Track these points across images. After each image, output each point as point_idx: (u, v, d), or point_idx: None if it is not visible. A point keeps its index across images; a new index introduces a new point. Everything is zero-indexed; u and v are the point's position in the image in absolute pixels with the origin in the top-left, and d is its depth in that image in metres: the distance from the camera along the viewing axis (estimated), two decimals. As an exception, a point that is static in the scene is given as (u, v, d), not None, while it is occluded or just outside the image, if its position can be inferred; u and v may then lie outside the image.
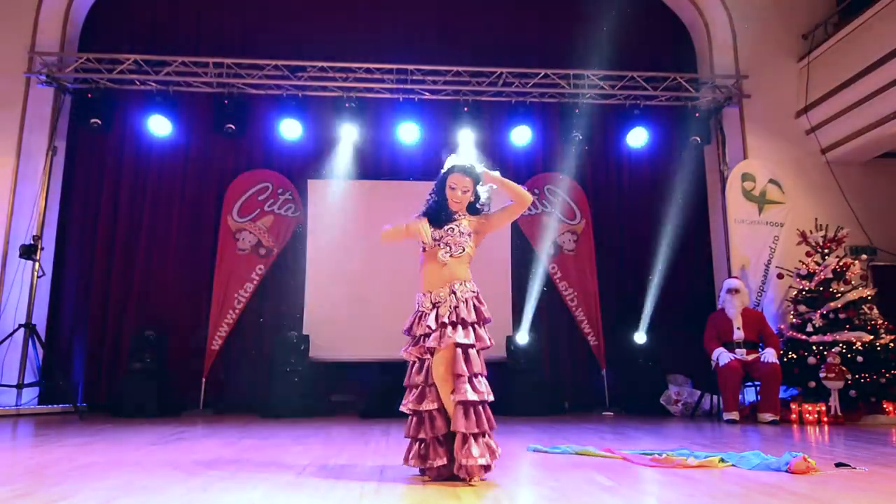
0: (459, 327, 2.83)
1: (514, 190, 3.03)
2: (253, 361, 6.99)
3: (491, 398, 2.83)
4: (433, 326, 2.86)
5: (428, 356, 2.89)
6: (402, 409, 2.95)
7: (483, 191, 3.06)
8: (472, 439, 2.72)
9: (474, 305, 2.91)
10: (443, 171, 3.09)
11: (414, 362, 2.97)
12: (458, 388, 2.77)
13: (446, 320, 2.85)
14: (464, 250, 2.98)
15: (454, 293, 2.91)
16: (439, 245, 2.98)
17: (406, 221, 3.05)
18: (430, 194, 3.11)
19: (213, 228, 7.20)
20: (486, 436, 2.80)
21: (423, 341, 2.89)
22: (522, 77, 7.25)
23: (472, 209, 3.08)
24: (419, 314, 2.97)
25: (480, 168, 3.05)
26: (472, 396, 2.75)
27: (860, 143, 6.98)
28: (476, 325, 2.88)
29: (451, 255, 2.95)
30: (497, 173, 3.07)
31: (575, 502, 2.38)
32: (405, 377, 2.98)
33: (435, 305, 2.92)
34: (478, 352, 2.87)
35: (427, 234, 2.93)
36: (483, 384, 2.83)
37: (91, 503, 2.34)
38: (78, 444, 4.01)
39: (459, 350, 2.81)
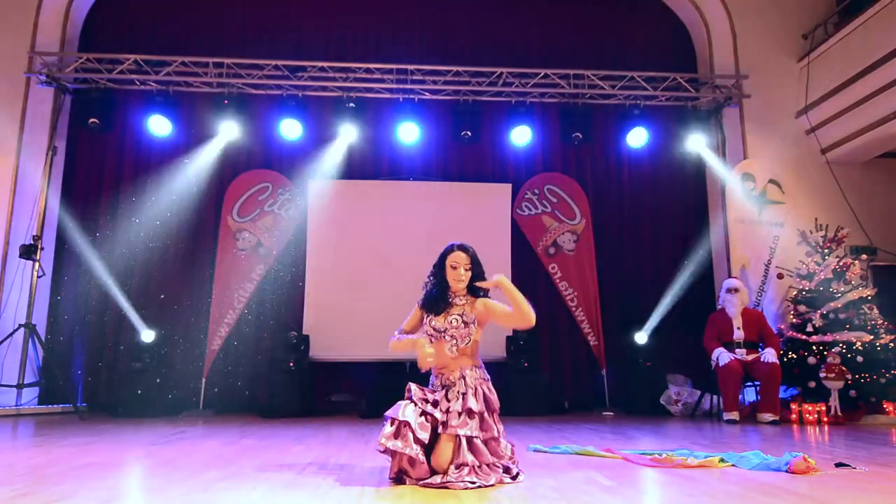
0: (465, 416, 2.77)
1: (521, 307, 2.85)
2: (253, 361, 7.00)
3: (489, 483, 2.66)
4: (439, 415, 2.79)
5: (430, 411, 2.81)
6: (379, 447, 2.74)
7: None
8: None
9: (484, 394, 2.86)
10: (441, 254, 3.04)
11: (409, 403, 2.83)
12: (458, 476, 2.64)
13: (454, 406, 2.80)
14: (470, 340, 2.94)
15: (464, 378, 2.88)
16: (444, 338, 2.93)
17: (407, 327, 3.08)
18: (428, 277, 3.04)
19: (213, 228, 7.21)
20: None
21: (427, 403, 2.83)
22: (522, 77, 7.25)
23: (473, 290, 3.00)
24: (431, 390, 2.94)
25: (500, 275, 2.89)
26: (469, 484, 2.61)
27: (860, 143, 6.99)
28: (484, 415, 2.81)
29: (457, 348, 2.92)
30: (512, 286, 2.89)
31: (575, 502, 2.37)
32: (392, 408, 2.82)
33: (445, 387, 2.90)
34: (486, 441, 2.78)
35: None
36: (492, 473, 2.70)
37: (91, 503, 2.34)
38: (78, 444, 4.01)
39: (464, 439, 2.73)
